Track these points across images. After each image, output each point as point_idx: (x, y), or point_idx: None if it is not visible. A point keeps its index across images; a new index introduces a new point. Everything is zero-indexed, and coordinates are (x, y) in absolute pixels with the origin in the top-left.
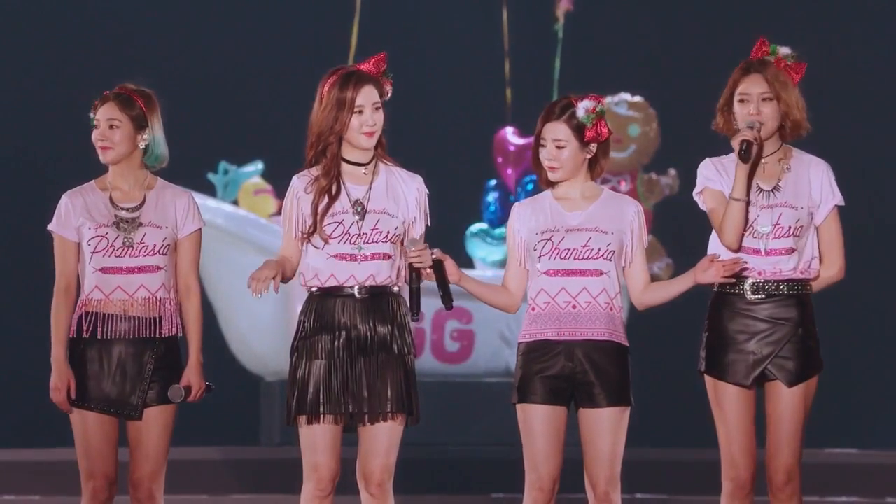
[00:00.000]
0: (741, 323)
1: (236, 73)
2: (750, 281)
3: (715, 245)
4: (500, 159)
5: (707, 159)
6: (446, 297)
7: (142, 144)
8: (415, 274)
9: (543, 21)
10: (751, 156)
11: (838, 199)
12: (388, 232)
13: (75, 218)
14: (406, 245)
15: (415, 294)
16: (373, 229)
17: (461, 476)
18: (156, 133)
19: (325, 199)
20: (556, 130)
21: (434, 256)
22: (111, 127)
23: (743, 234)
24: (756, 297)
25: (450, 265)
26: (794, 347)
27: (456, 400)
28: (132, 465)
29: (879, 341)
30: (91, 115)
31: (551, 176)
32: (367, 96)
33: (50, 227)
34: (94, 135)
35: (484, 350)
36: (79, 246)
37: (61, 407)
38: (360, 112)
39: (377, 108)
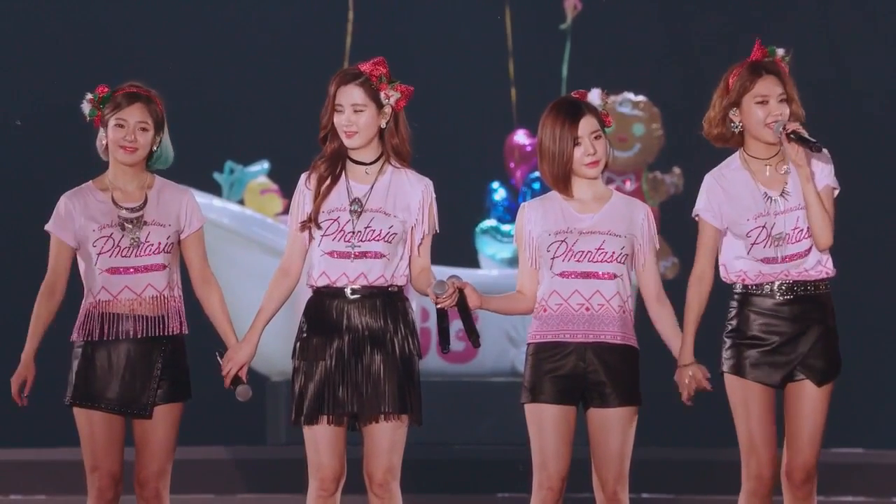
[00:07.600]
0: (768, 324)
1: (242, 73)
2: (778, 283)
3: (729, 254)
4: (512, 164)
5: (709, 176)
6: (473, 336)
7: (156, 147)
8: (444, 313)
9: (547, 20)
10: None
11: (831, 180)
12: (382, 231)
13: (76, 220)
14: (433, 289)
15: (445, 332)
16: (366, 227)
17: (467, 476)
18: (166, 136)
19: (326, 184)
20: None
21: (456, 284)
22: (143, 129)
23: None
24: (785, 297)
25: (469, 291)
26: (822, 347)
27: (462, 400)
28: (139, 464)
29: (886, 340)
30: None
31: (592, 172)
32: (348, 96)
33: (48, 227)
34: (119, 134)
35: (490, 350)
36: (74, 251)
37: (14, 397)
38: (340, 111)
39: (357, 110)
